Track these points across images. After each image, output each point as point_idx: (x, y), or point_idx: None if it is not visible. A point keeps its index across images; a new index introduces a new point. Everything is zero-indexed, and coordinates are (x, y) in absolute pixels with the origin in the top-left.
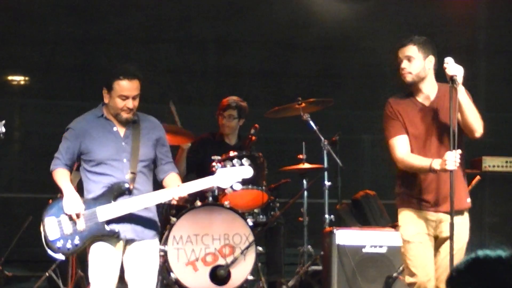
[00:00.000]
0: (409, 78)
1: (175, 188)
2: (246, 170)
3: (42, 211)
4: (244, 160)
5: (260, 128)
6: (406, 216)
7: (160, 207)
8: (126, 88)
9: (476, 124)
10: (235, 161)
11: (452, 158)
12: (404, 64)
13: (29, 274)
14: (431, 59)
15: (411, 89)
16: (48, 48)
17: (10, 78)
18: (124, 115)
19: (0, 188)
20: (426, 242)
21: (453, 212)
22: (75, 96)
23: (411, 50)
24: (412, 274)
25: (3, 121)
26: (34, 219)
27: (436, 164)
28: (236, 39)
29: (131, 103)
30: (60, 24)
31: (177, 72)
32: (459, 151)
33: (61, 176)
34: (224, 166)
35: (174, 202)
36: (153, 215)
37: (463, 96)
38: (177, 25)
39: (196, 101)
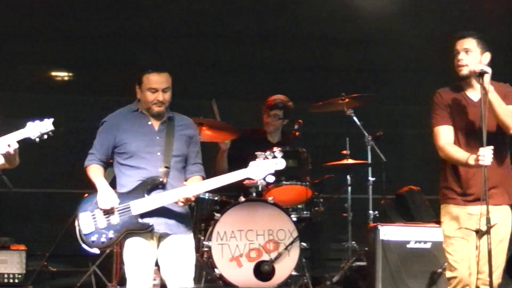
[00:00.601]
0: (465, 71)
1: (183, 187)
2: (279, 162)
3: (76, 206)
4: (277, 152)
5: (304, 123)
6: (447, 212)
7: (204, 203)
8: (155, 81)
9: (508, 121)
10: (268, 153)
11: (485, 154)
12: (462, 56)
13: (74, 269)
14: (487, 56)
15: (460, 83)
16: (89, 44)
17: (53, 74)
18: (155, 108)
19: (44, 183)
20: (466, 237)
21: (488, 207)
22: (117, 91)
23: (470, 43)
24: (453, 269)
25: (52, 119)
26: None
27: (472, 159)
28: (277, 33)
29: (161, 96)
30: (101, 19)
31: (218, 67)
32: (491, 146)
33: (95, 171)
34: (257, 158)
35: (181, 204)
36: (185, 210)
37: (492, 95)
38: (217, 19)
39: (236, 97)
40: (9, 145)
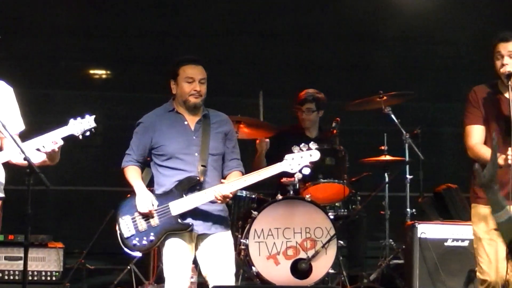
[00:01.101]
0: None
1: (219, 185)
2: (313, 154)
3: (116, 211)
4: (311, 144)
5: (341, 121)
6: (477, 212)
7: (241, 201)
8: (191, 71)
9: None
10: (302, 145)
11: None
12: (506, 60)
13: (111, 267)
14: None
15: (497, 82)
16: (129, 41)
17: (91, 71)
18: (192, 99)
19: (82, 181)
20: (497, 239)
21: None
22: (156, 89)
23: None
24: (482, 271)
25: (93, 116)
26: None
27: (501, 159)
28: (317, 31)
29: (198, 86)
30: (141, 17)
31: (257, 65)
32: None
33: (132, 173)
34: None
35: (219, 202)
36: (223, 208)
37: None
38: (257, 17)
39: (276, 94)
40: (54, 142)
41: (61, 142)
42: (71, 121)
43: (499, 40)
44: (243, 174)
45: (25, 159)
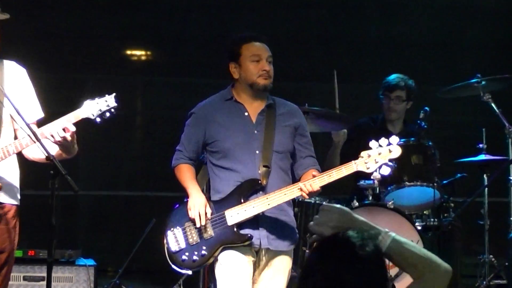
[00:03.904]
0: None
1: (306, 181)
2: (393, 150)
3: (165, 222)
4: (392, 138)
5: (432, 111)
6: None
7: (309, 209)
8: (257, 49)
9: None
10: (381, 140)
11: None
12: None
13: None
14: None
15: None
16: (177, 16)
17: (132, 52)
18: (261, 81)
19: (119, 185)
20: None
21: None
22: (211, 72)
23: None
24: None
25: (114, 94)
26: (158, 222)
27: None
28: (403, 4)
29: (266, 65)
30: None
31: (331, 42)
32: None
33: (184, 173)
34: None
35: (305, 196)
36: (290, 219)
37: None
38: None
39: (353, 77)
40: (65, 130)
41: (73, 129)
42: (86, 102)
43: None
44: None
45: (48, 158)
